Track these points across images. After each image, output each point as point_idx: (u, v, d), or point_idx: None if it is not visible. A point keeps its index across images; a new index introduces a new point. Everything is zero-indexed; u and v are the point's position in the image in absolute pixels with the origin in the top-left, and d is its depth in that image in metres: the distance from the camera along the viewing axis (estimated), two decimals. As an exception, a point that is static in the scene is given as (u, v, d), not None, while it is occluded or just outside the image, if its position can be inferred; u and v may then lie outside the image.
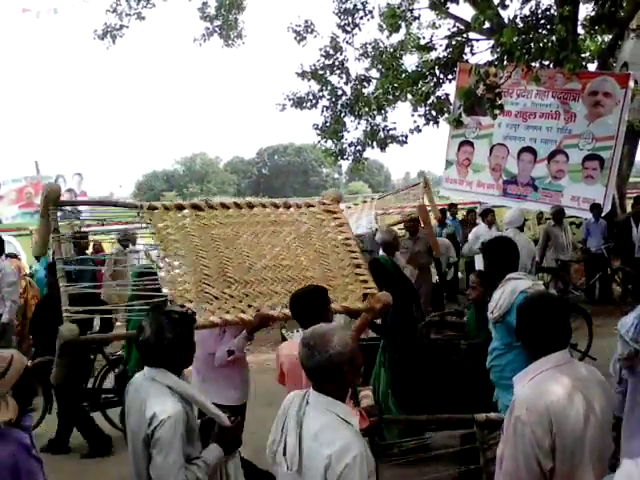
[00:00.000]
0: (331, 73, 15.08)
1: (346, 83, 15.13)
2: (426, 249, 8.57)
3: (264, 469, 4.03)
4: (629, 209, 11.79)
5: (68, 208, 5.91)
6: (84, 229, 8.08)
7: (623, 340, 3.74)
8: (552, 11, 10.55)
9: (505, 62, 9.87)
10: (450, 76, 13.12)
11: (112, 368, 6.62)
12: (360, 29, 14.91)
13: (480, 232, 9.97)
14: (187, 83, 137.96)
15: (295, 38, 15.29)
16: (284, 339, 8.32)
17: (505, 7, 10.41)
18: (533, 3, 10.82)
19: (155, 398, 2.78)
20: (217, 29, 15.96)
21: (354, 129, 15.33)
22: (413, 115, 14.34)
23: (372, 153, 15.78)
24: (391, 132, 15.03)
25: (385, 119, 15.07)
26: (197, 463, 2.82)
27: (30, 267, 11.09)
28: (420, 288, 7.77)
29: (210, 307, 3.95)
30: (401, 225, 8.86)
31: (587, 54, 13.19)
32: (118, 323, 7.33)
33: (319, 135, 15.37)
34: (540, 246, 9.91)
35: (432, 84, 13.46)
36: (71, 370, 4.32)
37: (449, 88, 13.50)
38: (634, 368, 3.66)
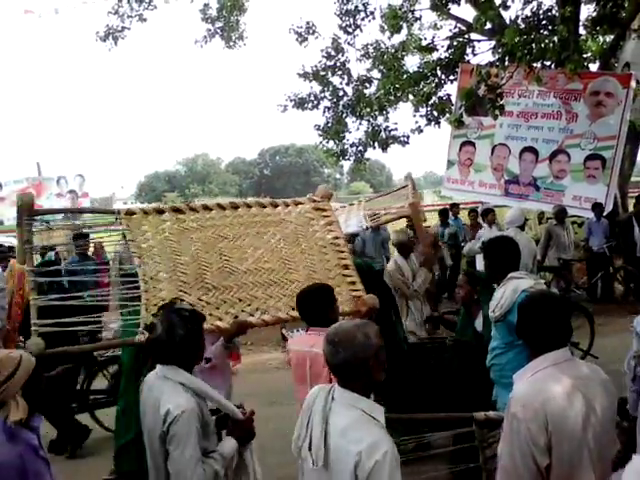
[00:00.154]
0: (332, 74, 15.06)
1: (347, 84, 15.11)
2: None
3: None
4: (631, 208, 11.83)
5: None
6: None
7: (639, 337, 3.74)
8: (554, 12, 10.57)
9: (507, 63, 9.90)
10: (452, 77, 13.11)
11: (101, 369, 6.59)
12: (361, 30, 14.88)
13: (481, 232, 10.00)
14: (189, 84, 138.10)
15: (296, 39, 15.28)
16: (285, 339, 8.34)
17: (507, 8, 10.45)
18: (535, 4, 10.87)
19: (168, 395, 2.83)
20: (218, 30, 15.95)
21: (356, 130, 15.32)
22: (415, 116, 14.32)
23: (374, 154, 15.75)
24: (393, 133, 15.00)
25: (387, 120, 15.05)
26: (214, 456, 2.88)
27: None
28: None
29: None
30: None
31: (589, 54, 13.17)
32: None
33: (321, 136, 15.36)
34: (542, 245, 9.93)
35: (434, 85, 13.45)
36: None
37: (451, 89, 13.50)
38: None
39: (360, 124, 15.20)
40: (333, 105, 15.18)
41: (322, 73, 14.99)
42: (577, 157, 10.75)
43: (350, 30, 14.87)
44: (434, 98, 13.64)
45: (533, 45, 9.10)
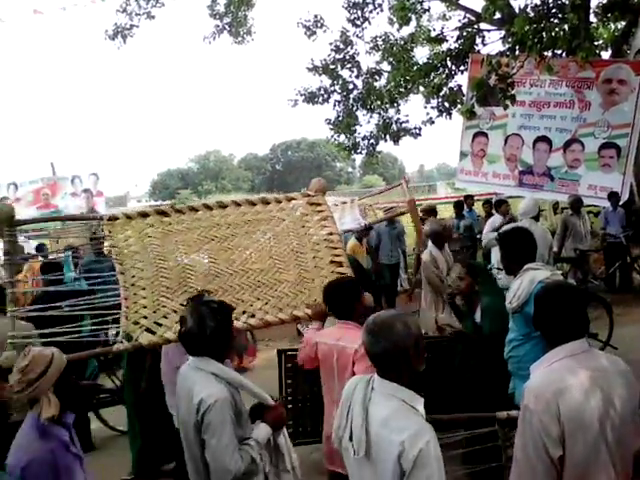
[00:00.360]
0: (342, 67, 15.03)
1: (357, 77, 15.08)
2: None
3: None
4: (647, 196, 11.69)
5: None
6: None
7: None
8: (564, -1, 10.47)
9: (517, 52, 9.83)
10: (462, 67, 13.05)
11: (105, 369, 6.63)
12: (370, 23, 14.84)
13: (496, 223, 9.93)
14: (199, 81, 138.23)
15: (305, 33, 15.27)
16: (300, 334, 8.36)
17: (516, -3, 10.34)
18: (544, -8, 10.74)
19: (201, 385, 2.89)
20: (227, 26, 15.95)
21: (367, 123, 15.30)
22: (426, 107, 14.30)
23: (386, 146, 15.75)
24: (404, 125, 14.97)
25: (398, 112, 15.02)
26: (249, 443, 2.94)
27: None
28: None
29: (166, 322, 3.79)
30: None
31: (600, 42, 13.07)
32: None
33: (332, 130, 15.34)
34: (559, 236, 9.85)
35: (444, 76, 13.41)
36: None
37: (461, 79, 13.45)
38: None
39: (371, 117, 15.19)
40: (343, 98, 15.15)
41: (332, 67, 14.96)
42: (591, 146, 10.65)
43: (359, 23, 14.83)
44: (445, 89, 13.60)
45: (543, 34, 9.01)
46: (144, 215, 4.43)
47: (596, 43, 11.57)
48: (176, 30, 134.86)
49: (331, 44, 14.97)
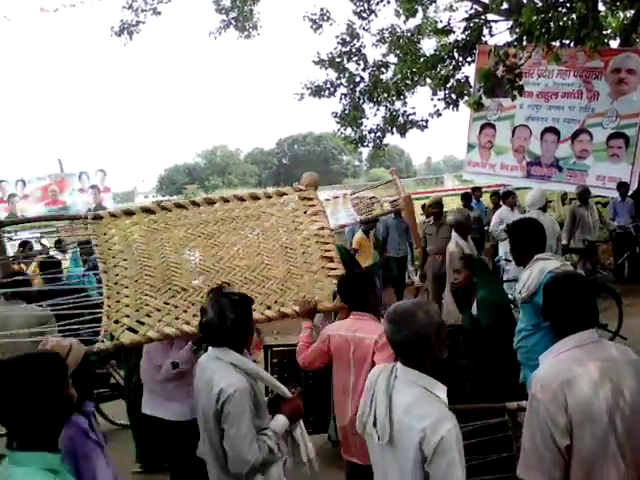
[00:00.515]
0: (348, 60, 14.98)
1: (364, 70, 15.02)
2: (450, 235, 8.46)
3: None
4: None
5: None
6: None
7: None
8: (572, -12, 10.37)
9: (525, 42, 9.75)
10: (469, 58, 12.98)
11: (104, 364, 6.66)
12: (376, 15, 14.79)
13: (503, 215, 9.90)
14: (205, 76, 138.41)
15: (311, 26, 15.23)
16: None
17: (523, -14, 10.27)
18: (552, -19, 10.65)
19: (220, 375, 2.94)
20: (233, 21, 15.92)
21: (373, 115, 15.25)
22: (433, 99, 14.25)
23: (392, 139, 15.76)
24: (411, 117, 14.93)
25: (404, 104, 14.97)
26: (267, 433, 2.99)
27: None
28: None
29: (149, 320, 3.74)
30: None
31: (609, 31, 12.95)
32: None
33: (338, 123, 15.31)
34: (567, 227, 9.79)
35: (451, 67, 13.35)
36: None
37: (468, 71, 13.37)
38: None
39: (378, 110, 15.14)
40: (350, 92, 15.11)
41: (338, 60, 14.91)
42: (599, 136, 10.56)
43: (365, 15, 14.78)
44: (452, 81, 13.54)
45: (551, 24, 8.92)
46: (129, 213, 4.38)
47: (605, 32, 11.45)
48: (182, 25, 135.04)
49: (337, 37, 14.92)
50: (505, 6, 10.95)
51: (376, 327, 3.76)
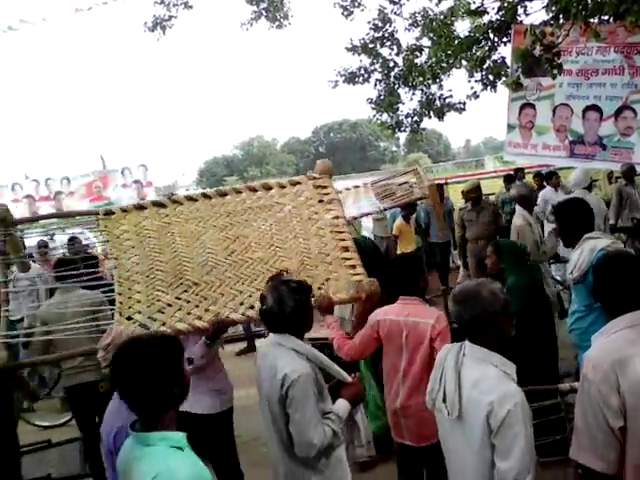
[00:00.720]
0: (381, 45, 14.80)
1: (397, 54, 14.83)
2: (492, 219, 8.35)
3: None
4: None
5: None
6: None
7: None
8: (610, -39, 10.07)
9: (561, 20, 9.51)
10: (505, 39, 12.71)
11: None
12: (408, -1, 14.61)
13: (547, 196, 9.75)
14: (239, 68, 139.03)
15: (342, 13, 15.09)
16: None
17: (559, -38, 9.98)
18: (588, -45, 10.36)
19: (284, 361, 3.01)
20: (263, 11, 15.89)
21: (409, 100, 15.01)
22: (469, 81, 13.99)
23: (430, 123, 15.51)
24: (448, 100, 14.68)
25: (441, 88, 14.72)
26: (330, 417, 3.05)
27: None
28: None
29: (162, 317, 3.69)
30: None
31: (650, 4, 12.52)
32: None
33: (374, 109, 15.15)
34: (614, 206, 9.57)
35: (487, 48, 13.09)
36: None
37: (505, 51, 13.07)
38: None
39: (413, 94, 14.93)
40: (384, 77, 14.93)
41: (371, 45, 14.73)
42: (644, 112, 10.28)
43: (396, 0, 14.61)
44: (488, 62, 13.28)
45: (588, 0, 8.70)
46: (141, 208, 4.37)
47: (645, 5, 11.07)
48: (214, 18, 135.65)
49: (369, 23, 14.72)
50: (540, -17, 10.68)
51: (429, 311, 3.79)
